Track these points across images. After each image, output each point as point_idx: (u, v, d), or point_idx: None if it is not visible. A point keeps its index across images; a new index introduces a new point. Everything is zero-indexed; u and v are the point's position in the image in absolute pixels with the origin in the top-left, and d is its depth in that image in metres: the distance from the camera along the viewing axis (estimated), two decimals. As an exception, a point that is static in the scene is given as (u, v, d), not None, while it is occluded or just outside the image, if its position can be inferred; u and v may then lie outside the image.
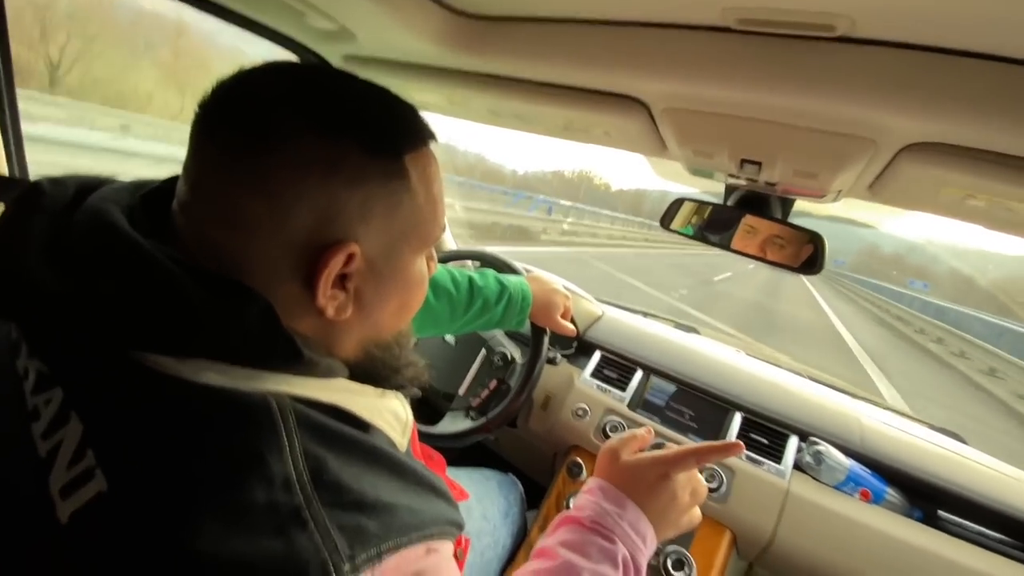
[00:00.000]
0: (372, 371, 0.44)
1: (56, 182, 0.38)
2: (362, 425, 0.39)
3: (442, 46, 0.73)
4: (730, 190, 0.94)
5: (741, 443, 0.62)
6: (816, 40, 0.51)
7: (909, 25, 0.46)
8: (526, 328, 1.07)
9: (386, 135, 0.37)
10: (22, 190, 0.37)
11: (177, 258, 0.33)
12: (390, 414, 0.43)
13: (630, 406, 1.15)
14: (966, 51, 0.46)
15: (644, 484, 0.59)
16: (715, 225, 0.97)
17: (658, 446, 1.04)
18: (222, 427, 0.31)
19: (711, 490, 0.99)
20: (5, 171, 0.69)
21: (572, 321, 1.10)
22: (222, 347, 0.33)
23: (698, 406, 1.14)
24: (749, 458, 1.02)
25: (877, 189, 0.71)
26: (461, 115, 1.04)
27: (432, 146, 0.42)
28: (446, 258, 1.14)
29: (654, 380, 1.20)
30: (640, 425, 1.11)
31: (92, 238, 0.34)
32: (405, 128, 0.39)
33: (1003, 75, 0.45)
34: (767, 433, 1.06)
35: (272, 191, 0.34)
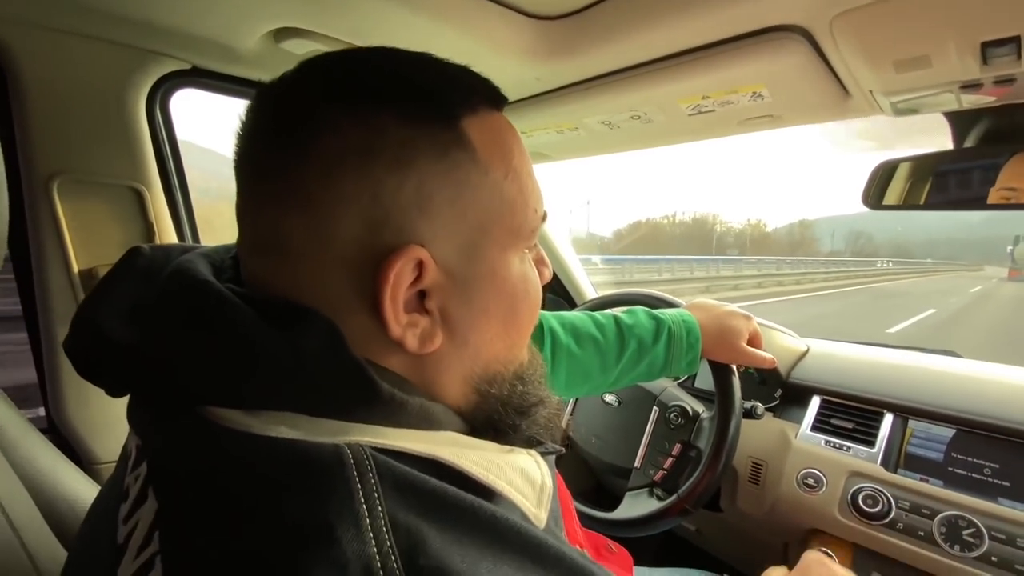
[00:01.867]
0: (492, 419, 0.34)
1: (158, 247, 0.36)
2: (478, 487, 0.28)
3: (536, 59, 0.67)
4: (964, 123, 0.66)
5: None
6: None
7: None
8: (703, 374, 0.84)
9: (431, 96, 0.30)
10: (124, 254, 0.35)
11: (239, 291, 0.28)
12: (516, 473, 0.31)
13: (886, 465, 0.82)
14: None
15: None
16: (955, 180, 0.68)
17: (955, 524, 0.71)
18: (283, 492, 0.24)
19: None
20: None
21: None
22: (288, 390, 0.27)
23: (1003, 454, 0.76)
24: None
25: None
26: (575, 148, 0.96)
27: (502, 112, 0.34)
28: (588, 309, 0.99)
29: (916, 424, 0.85)
30: (911, 492, 0.77)
31: (165, 287, 0.30)
32: (457, 85, 0.31)
33: None
34: None
35: (308, 199, 0.28)
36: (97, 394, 0.31)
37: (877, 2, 0.47)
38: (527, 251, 0.35)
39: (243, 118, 0.31)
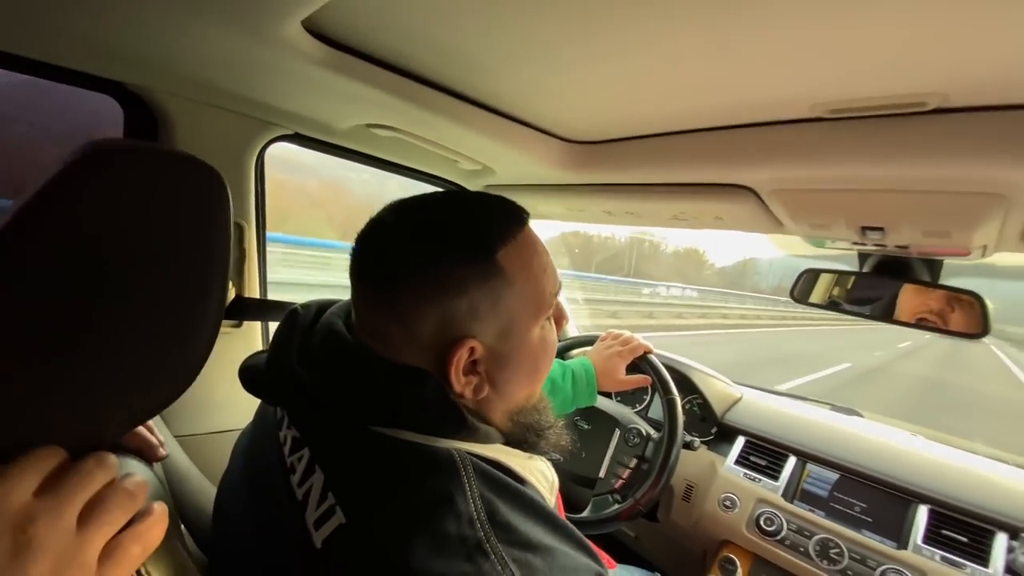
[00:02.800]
0: (521, 438, 0.51)
1: (305, 306, 0.52)
2: (519, 479, 0.46)
3: (562, 169, 0.89)
4: (863, 256, 0.91)
5: None
6: (910, 116, 0.55)
7: (1000, 90, 0.49)
8: (655, 407, 1.05)
9: (475, 245, 0.45)
10: (286, 315, 0.51)
11: (377, 355, 0.45)
12: (539, 473, 0.50)
13: (786, 496, 1.06)
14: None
15: None
16: (865, 297, 0.93)
17: (826, 544, 0.95)
18: (422, 472, 0.40)
19: None
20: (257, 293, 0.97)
21: (653, 368, 1.07)
22: (410, 416, 0.43)
23: (870, 497, 1.02)
24: (946, 560, 0.86)
25: (1034, 240, 0.66)
26: (579, 219, 1.18)
27: (525, 228, 0.49)
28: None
29: (812, 468, 1.10)
30: (799, 518, 1.01)
31: (326, 344, 0.47)
32: (491, 231, 0.46)
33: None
34: (966, 529, 0.90)
35: (401, 316, 0.44)
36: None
37: (797, 191, 0.71)
38: (547, 319, 0.51)
39: (354, 250, 0.47)
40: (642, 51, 0.54)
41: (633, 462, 1.12)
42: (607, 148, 0.85)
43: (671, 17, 0.47)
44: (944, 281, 0.87)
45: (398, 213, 0.48)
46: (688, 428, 1.25)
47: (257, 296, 0.97)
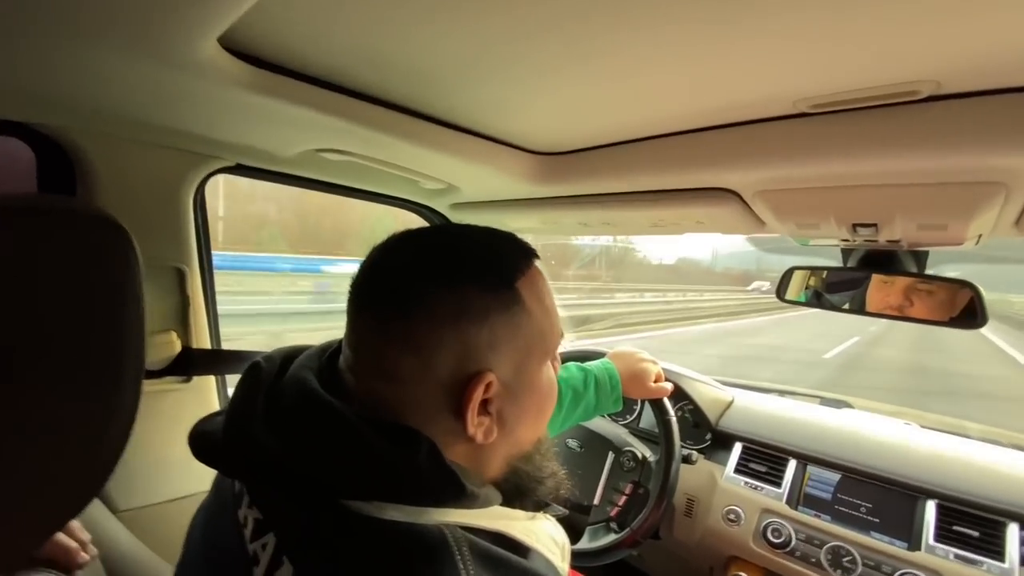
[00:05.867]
0: (518, 485, 0.47)
1: (267, 358, 0.45)
2: (523, 550, 0.41)
3: (532, 183, 0.83)
4: (846, 252, 0.88)
5: None
6: (901, 105, 0.52)
7: (996, 74, 0.45)
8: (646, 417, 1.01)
9: (496, 271, 0.42)
10: (247, 368, 0.44)
11: (359, 413, 0.38)
12: (547, 537, 0.45)
13: (790, 503, 1.02)
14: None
15: None
16: (837, 288, 0.91)
17: (837, 552, 0.92)
18: (410, 561, 0.34)
19: None
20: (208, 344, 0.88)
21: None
22: (400, 486, 0.37)
23: (875, 496, 0.98)
24: (960, 557, 0.83)
25: (1026, 225, 0.64)
26: (554, 232, 1.13)
27: (537, 263, 0.47)
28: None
29: (812, 470, 1.06)
30: (807, 526, 0.97)
31: (296, 403, 0.40)
32: (510, 259, 0.44)
33: None
34: (976, 523, 0.87)
35: (418, 346, 0.40)
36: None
37: (783, 191, 0.66)
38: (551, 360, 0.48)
39: (358, 277, 0.43)
40: (610, 56, 0.48)
41: (628, 487, 1.06)
42: (579, 158, 0.79)
43: (636, 25, 0.42)
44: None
45: (408, 240, 0.45)
46: (682, 437, 1.20)
47: (208, 346, 0.87)
